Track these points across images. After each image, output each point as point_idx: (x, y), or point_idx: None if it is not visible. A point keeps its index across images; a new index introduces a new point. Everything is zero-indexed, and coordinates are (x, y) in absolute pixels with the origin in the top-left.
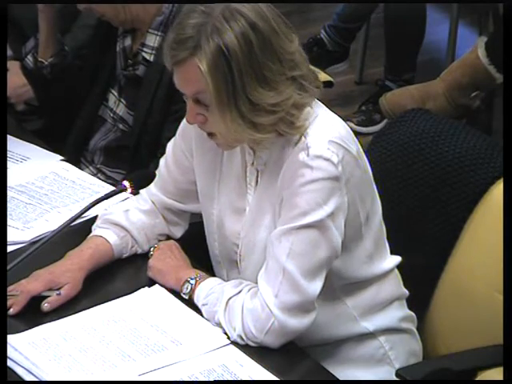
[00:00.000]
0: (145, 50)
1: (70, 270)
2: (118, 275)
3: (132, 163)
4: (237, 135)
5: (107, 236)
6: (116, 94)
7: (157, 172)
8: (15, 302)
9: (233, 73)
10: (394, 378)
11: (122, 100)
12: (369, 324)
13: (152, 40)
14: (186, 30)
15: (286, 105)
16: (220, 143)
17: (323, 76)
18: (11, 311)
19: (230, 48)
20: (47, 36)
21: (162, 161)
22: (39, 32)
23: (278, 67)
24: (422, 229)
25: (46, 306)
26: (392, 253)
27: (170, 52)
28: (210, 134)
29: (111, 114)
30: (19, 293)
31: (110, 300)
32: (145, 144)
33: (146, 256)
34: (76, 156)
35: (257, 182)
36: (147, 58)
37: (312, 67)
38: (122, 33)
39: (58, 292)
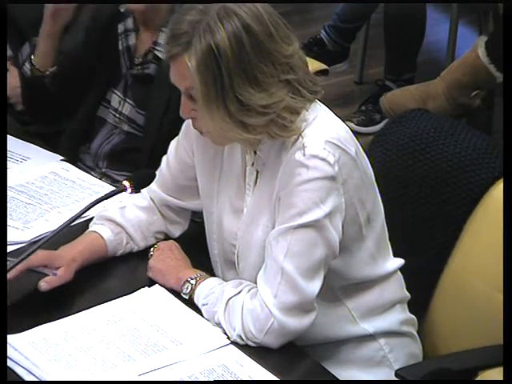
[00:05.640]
0: (157, 48)
1: (63, 256)
2: (117, 275)
3: (148, 164)
4: (224, 133)
5: (101, 231)
6: (120, 93)
7: (158, 171)
8: (12, 269)
9: (221, 72)
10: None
11: (128, 100)
12: (369, 326)
13: (164, 38)
14: (181, 25)
15: (278, 107)
16: (211, 139)
17: (317, 65)
18: (8, 276)
19: (221, 47)
20: (50, 44)
21: (163, 159)
22: (39, 38)
23: (271, 69)
24: (422, 229)
25: (42, 284)
26: (392, 253)
27: (165, 46)
28: (201, 132)
29: (116, 115)
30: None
31: (110, 300)
32: (161, 143)
33: (145, 256)
34: (72, 158)
35: (255, 182)
36: (160, 56)
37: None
38: (124, 31)
39: (54, 272)
